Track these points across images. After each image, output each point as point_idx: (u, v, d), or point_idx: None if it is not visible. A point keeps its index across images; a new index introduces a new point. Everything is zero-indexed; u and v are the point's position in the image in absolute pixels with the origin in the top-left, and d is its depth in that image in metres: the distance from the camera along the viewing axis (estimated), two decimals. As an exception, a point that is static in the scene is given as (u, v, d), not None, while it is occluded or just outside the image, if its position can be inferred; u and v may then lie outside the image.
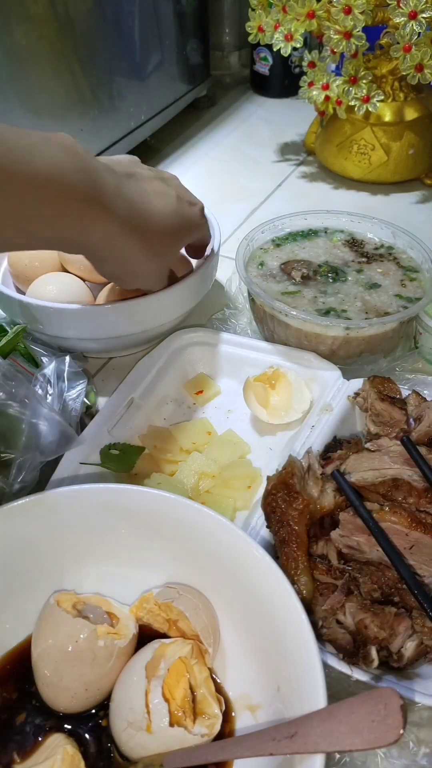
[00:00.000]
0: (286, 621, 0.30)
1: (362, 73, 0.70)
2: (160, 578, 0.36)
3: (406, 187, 0.80)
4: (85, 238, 0.35)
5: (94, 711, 0.33)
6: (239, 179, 0.84)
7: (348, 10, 0.65)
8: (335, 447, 0.42)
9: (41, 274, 0.52)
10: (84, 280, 0.53)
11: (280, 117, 1.00)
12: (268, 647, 0.32)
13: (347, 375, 0.47)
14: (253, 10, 0.72)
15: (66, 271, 0.54)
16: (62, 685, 0.32)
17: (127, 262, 0.39)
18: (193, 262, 0.59)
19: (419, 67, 0.66)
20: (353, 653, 0.32)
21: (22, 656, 0.34)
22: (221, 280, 0.62)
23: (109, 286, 0.52)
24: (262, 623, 0.32)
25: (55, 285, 0.50)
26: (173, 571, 0.36)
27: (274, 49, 0.72)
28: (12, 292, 0.49)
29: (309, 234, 0.58)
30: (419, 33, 0.64)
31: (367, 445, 0.40)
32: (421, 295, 0.50)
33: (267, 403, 0.47)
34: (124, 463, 0.42)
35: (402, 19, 0.64)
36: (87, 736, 0.32)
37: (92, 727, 0.32)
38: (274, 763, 0.29)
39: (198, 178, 0.84)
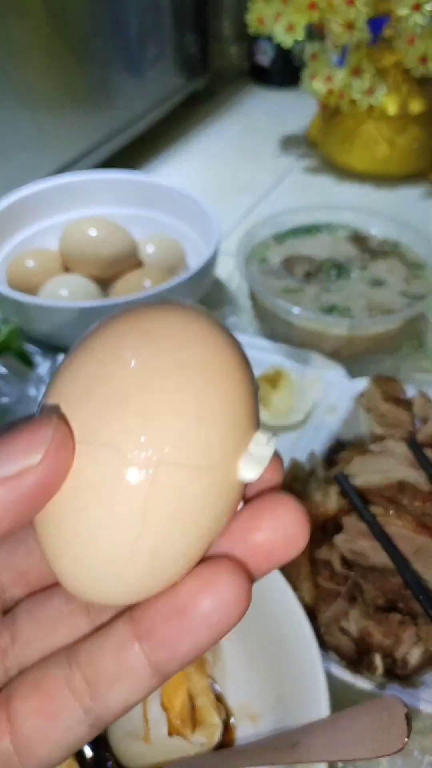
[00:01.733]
0: (288, 628, 0.30)
1: (365, 66, 0.69)
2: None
3: (411, 182, 0.78)
4: None
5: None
6: (240, 173, 0.83)
7: (350, 1, 0.64)
8: (339, 449, 0.41)
9: (46, 278, 0.51)
10: (92, 279, 0.53)
11: (281, 110, 0.99)
12: (270, 655, 0.31)
13: (351, 375, 0.46)
14: (253, 1, 0.70)
15: (70, 271, 0.54)
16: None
17: None
18: (192, 260, 0.58)
19: (423, 60, 0.65)
20: (357, 661, 0.31)
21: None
22: (222, 277, 0.61)
23: (119, 282, 0.52)
24: (263, 630, 0.31)
25: (66, 288, 0.50)
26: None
27: (275, 41, 0.71)
28: (7, 290, 0.48)
29: (311, 229, 0.57)
30: (422, 25, 0.63)
31: (372, 447, 0.39)
32: (426, 293, 0.49)
33: (268, 404, 0.46)
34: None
35: (405, 10, 0.62)
36: (84, 745, 0.31)
37: (89, 736, 0.32)
38: (275, 774, 0.28)
39: (197, 173, 0.83)
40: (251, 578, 0.12)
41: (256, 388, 0.12)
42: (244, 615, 0.12)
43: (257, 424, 0.12)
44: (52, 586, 0.14)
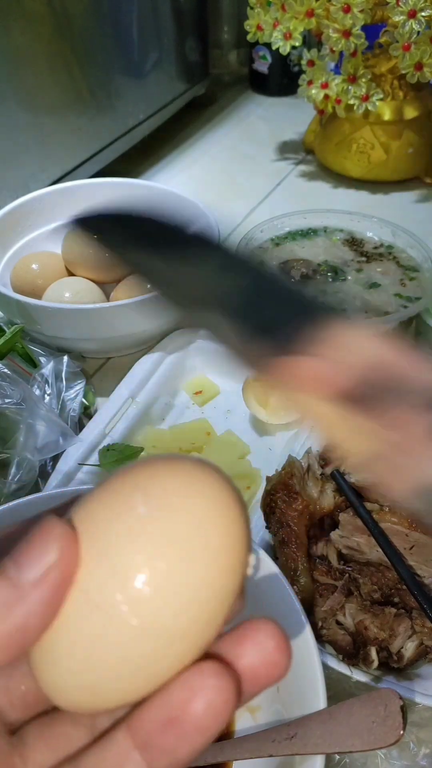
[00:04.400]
0: (285, 622, 0.30)
1: (361, 72, 0.70)
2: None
3: (406, 186, 0.79)
4: None
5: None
6: (238, 178, 0.84)
7: (347, 9, 0.65)
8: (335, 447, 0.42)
9: (49, 281, 0.52)
10: (94, 282, 0.54)
11: (279, 116, 1.00)
12: (268, 648, 0.32)
13: (347, 375, 0.47)
14: (252, 8, 0.71)
15: (73, 274, 0.55)
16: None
17: None
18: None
19: (418, 66, 0.66)
20: (353, 654, 0.32)
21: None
22: (220, 280, 0.62)
23: (120, 285, 0.52)
24: (261, 624, 0.32)
25: (70, 291, 0.51)
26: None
27: (273, 48, 0.72)
28: (11, 292, 0.48)
29: (308, 233, 0.57)
30: (418, 32, 0.64)
31: (367, 445, 0.40)
32: (420, 295, 0.50)
33: (266, 403, 0.47)
34: (123, 463, 0.42)
35: (401, 17, 0.63)
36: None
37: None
38: (273, 765, 0.29)
39: (196, 177, 0.84)
40: (237, 677, 0.13)
41: (244, 556, 0.14)
42: (234, 713, 0.13)
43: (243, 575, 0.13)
44: (55, 711, 0.15)
